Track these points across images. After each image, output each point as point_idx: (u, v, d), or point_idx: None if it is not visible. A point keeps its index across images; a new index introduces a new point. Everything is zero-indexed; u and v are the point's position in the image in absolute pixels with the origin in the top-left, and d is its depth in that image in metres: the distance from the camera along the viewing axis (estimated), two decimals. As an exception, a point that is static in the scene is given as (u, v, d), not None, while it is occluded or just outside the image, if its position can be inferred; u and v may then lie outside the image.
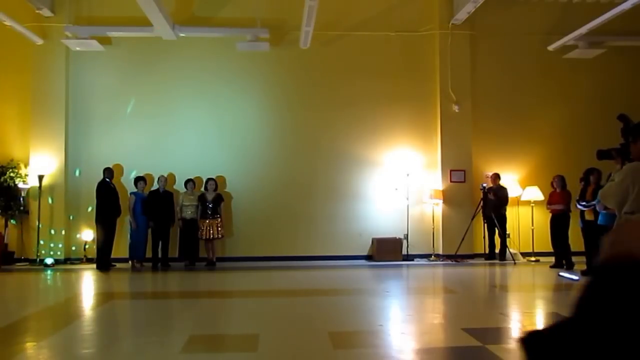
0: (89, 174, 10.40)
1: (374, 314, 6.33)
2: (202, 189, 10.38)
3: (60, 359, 4.55)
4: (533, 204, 10.66)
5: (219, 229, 10.12)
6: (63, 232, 10.42)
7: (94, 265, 9.83)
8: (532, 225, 10.69)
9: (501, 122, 11.22)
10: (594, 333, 0.96)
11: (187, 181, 10.26)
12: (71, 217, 10.58)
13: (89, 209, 10.44)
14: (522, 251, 10.75)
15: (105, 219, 9.76)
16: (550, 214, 9.81)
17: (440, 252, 10.80)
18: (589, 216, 8.59)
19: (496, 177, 10.68)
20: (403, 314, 6.30)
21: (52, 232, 10.39)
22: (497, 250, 10.64)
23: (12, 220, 10.36)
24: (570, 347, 0.99)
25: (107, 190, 9.84)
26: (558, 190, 9.69)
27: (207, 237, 10.08)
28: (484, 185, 10.63)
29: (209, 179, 10.30)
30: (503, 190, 10.58)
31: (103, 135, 10.73)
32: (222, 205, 10.23)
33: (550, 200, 9.86)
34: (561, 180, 9.70)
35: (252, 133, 10.96)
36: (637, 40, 11.03)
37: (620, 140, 3.61)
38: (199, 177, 10.53)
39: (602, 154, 3.86)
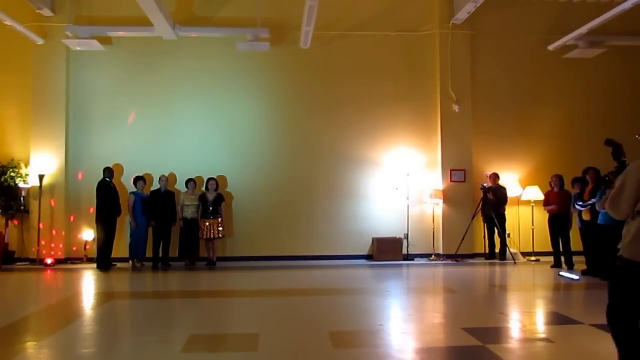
0: (89, 174, 10.40)
1: (374, 313, 6.33)
2: (203, 189, 10.38)
3: (60, 359, 4.56)
4: (533, 204, 10.65)
5: (220, 229, 10.13)
6: (63, 232, 10.43)
7: (95, 265, 9.84)
8: (533, 225, 10.69)
9: (502, 122, 11.22)
10: None
11: (188, 181, 10.26)
12: (76, 215, 10.59)
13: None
14: (522, 251, 10.75)
15: (106, 219, 9.76)
16: (548, 214, 9.79)
17: (441, 252, 10.80)
18: (586, 216, 8.57)
19: (495, 177, 10.68)
20: (403, 314, 6.31)
21: (53, 232, 10.39)
22: (497, 250, 10.64)
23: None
24: None
25: (107, 190, 9.85)
26: (556, 190, 9.67)
27: (208, 237, 10.09)
28: (484, 185, 10.64)
29: (209, 179, 10.30)
30: (502, 190, 10.58)
31: (103, 135, 10.73)
32: (223, 205, 10.23)
33: (547, 201, 9.83)
34: (559, 180, 9.68)
35: (252, 133, 10.96)
36: (637, 40, 11.03)
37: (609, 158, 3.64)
38: (200, 176, 10.54)
39: (602, 181, 3.90)
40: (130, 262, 10.04)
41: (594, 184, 8.53)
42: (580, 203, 8.61)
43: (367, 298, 7.21)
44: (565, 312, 6.09)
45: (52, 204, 10.43)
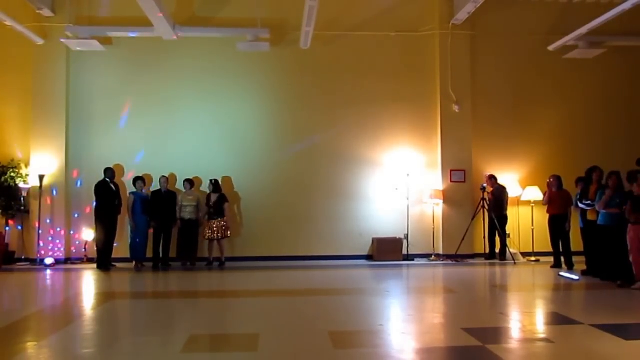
0: (89, 174, 10.40)
1: (374, 313, 6.34)
2: (207, 189, 10.39)
3: (60, 359, 4.56)
4: (533, 204, 10.65)
5: (223, 229, 10.09)
6: (63, 232, 10.43)
7: (95, 265, 9.84)
8: (532, 225, 10.69)
9: (501, 122, 11.22)
10: None
11: (185, 181, 10.27)
12: (76, 215, 10.61)
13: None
14: (522, 251, 10.75)
15: (104, 219, 9.74)
16: (548, 215, 9.77)
17: (441, 252, 10.80)
18: (591, 216, 8.53)
19: (491, 178, 10.68)
20: (403, 314, 6.31)
21: (53, 232, 10.39)
22: (497, 250, 10.64)
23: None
24: None
25: (105, 190, 9.81)
26: (554, 190, 9.64)
27: (211, 237, 10.08)
28: (484, 185, 10.64)
29: (211, 180, 10.29)
30: (499, 190, 10.56)
31: (103, 135, 10.74)
32: (225, 206, 10.19)
33: (548, 200, 9.77)
34: (557, 180, 9.67)
35: (252, 133, 10.96)
36: (637, 41, 11.03)
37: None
38: (197, 177, 10.55)
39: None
40: (134, 262, 10.02)
41: (598, 184, 8.50)
42: (589, 202, 8.54)
43: (367, 298, 7.20)
44: (565, 312, 6.09)
45: (52, 203, 10.43)
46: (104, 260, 9.74)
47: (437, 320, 5.98)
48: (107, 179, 9.91)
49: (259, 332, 5.07)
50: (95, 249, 9.97)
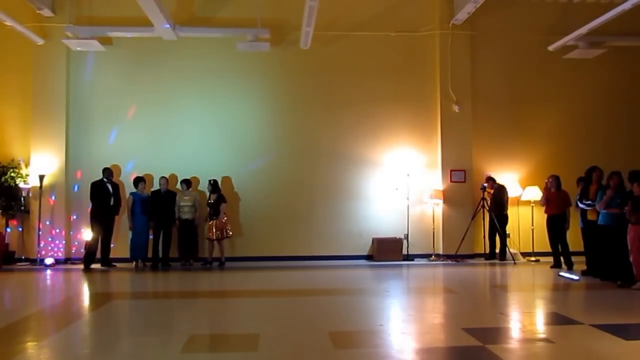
0: (89, 174, 10.38)
1: (374, 313, 6.34)
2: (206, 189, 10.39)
3: (60, 359, 4.56)
4: (533, 204, 10.65)
5: (221, 229, 10.08)
6: (63, 232, 10.43)
7: (98, 265, 9.84)
8: (532, 225, 10.69)
9: (501, 122, 11.22)
10: None
11: (182, 182, 10.27)
12: (75, 215, 10.61)
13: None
14: (522, 251, 10.75)
15: (98, 219, 9.73)
16: (546, 215, 9.76)
17: (441, 252, 10.80)
18: (591, 216, 8.52)
19: (488, 180, 10.67)
20: (403, 314, 6.31)
21: (53, 232, 10.39)
22: (497, 250, 10.64)
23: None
24: None
25: (100, 190, 9.78)
26: (553, 190, 9.63)
27: (210, 237, 10.08)
28: (484, 185, 10.64)
29: (209, 180, 10.29)
30: (499, 190, 10.56)
31: (103, 135, 10.74)
32: (222, 206, 10.16)
33: (546, 201, 9.75)
34: (556, 180, 9.67)
35: (252, 133, 10.95)
36: (637, 41, 11.03)
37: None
38: (197, 177, 10.55)
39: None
40: (134, 262, 10.03)
41: (598, 184, 8.50)
42: (589, 202, 8.54)
43: (367, 298, 7.21)
44: (565, 312, 6.09)
45: (52, 203, 10.43)
46: (89, 261, 9.68)
47: (437, 320, 5.98)
48: (105, 179, 9.91)
49: (259, 332, 5.07)
50: (83, 247, 9.96)
